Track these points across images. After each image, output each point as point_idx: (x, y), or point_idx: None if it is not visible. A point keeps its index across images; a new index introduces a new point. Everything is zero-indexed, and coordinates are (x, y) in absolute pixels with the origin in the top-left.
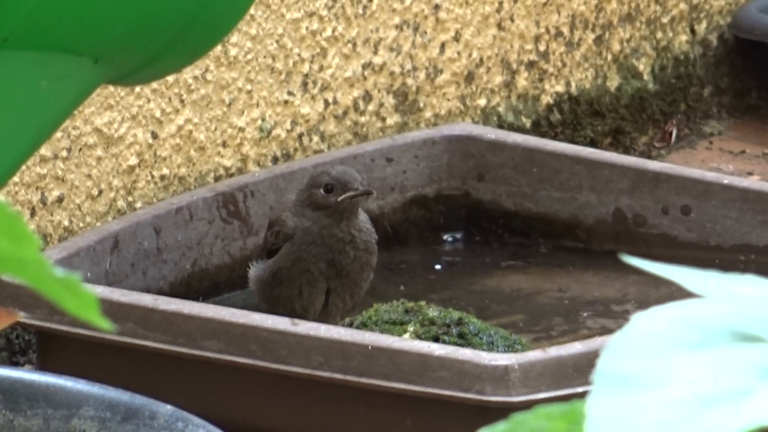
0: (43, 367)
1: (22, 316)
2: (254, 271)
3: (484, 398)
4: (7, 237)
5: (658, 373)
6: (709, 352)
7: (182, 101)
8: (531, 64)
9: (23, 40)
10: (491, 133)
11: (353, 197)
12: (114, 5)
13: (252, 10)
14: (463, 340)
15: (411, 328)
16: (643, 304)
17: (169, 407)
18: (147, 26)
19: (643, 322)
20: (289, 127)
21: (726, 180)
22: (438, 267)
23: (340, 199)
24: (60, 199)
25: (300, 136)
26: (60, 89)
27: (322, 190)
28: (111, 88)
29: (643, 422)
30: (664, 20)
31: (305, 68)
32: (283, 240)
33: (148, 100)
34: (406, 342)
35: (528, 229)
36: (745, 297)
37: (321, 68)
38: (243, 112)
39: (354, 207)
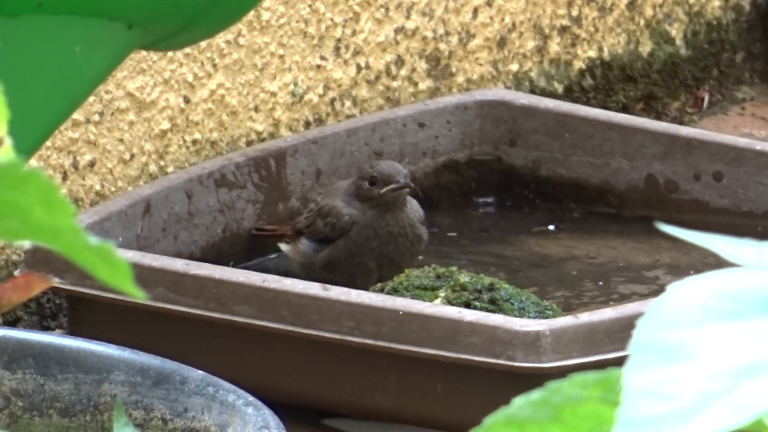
0: (73, 331)
1: (55, 282)
2: (303, 249)
3: (515, 364)
4: (42, 205)
5: (695, 344)
6: (747, 322)
7: (215, 66)
8: (563, 29)
9: (58, 4)
10: (523, 98)
11: (394, 190)
12: None
13: None
14: (494, 305)
15: (442, 294)
16: (674, 270)
17: (199, 372)
18: None
19: (679, 292)
20: (321, 92)
21: (758, 146)
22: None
23: (382, 191)
24: (92, 164)
25: (332, 101)
26: (94, 54)
27: (367, 183)
28: (144, 52)
29: (681, 393)
30: None
31: (338, 33)
32: (338, 233)
33: (181, 65)
34: (437, 308)
35: (560, 195)
36: None
37: (353, 33)
38: (275, 77)
39: (397, 200)
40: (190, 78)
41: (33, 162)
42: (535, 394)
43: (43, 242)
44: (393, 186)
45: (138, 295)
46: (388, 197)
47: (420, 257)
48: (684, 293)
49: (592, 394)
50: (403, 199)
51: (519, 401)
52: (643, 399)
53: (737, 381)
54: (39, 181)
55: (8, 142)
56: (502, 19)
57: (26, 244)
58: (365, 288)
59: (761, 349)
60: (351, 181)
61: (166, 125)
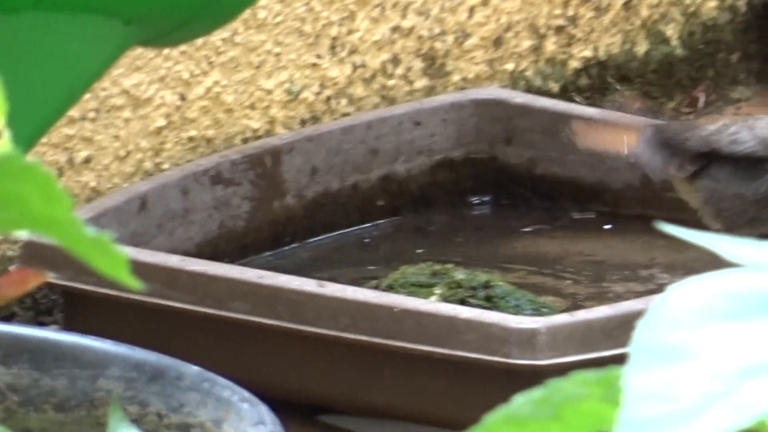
0: (69, 327)
1: (50, 277)
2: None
3: (511, 361)
4: (41, 196)
5: (696, 345)
6: (748, 322)
7: (210, 63)
8: (559, 29)
9: (54, 1)
10: (519, 97)
11: None
12: None
13: None
14: (490, 303)
15: (438, 291)
16: (670, 269)
17: (195, 368)
18: None
19: (680, 292)
20: (317, 90)
21: None
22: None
23: None
24: (87, 160)
25: (328, 99)
26: (91, 51)
27: None
28: (140, 49)
29: (682, 394)
30: None
31: (333, 31)
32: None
33: (177, 62)
34: (433, 304)
35: (555, 194)
36: None
37: (349, 31)
38: (271, 75)
39: None
40: (185, 75)
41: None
42: (536, 392)
43: (41, 232)
44: None
45: (135, 286)
46: None
47: (413, 250)
48: (684, 293)
49: (592, 393)
50: None
51: (519, 399)
52: (644, 400)
53: (739, 382)
54: (37, 173)
55: (7, 134)
56: (498, 19)
57: (23, 236)
58: None
59: (763, 350)
60: None
61: (161, 122)
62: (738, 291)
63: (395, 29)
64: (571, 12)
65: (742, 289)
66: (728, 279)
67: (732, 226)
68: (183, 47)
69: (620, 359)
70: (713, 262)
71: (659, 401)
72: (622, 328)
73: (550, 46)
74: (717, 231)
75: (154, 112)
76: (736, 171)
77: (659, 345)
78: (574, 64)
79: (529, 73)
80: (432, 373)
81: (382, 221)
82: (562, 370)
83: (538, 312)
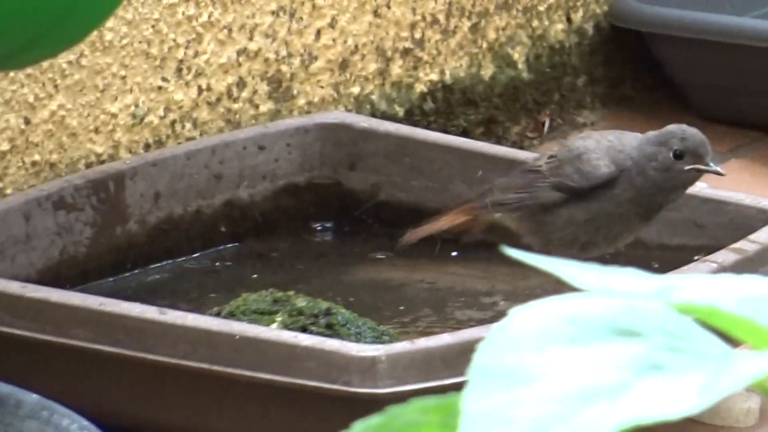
0: None
1: None
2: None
3: (351, 389)
4: None
5: (535, 369)
6: (588, 347)
7: (56, 86)
8: (406, 52)
9: None
10: (364, 121)
11: (701, 171)
12: None
13: None
14: (331, 330)
15: (279, 318)
16: (512, 296)
17: (34, 396)
18: (25, 10)
19: (521, 316)
20: (162, 114)
21: None
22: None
23: (687, 168)
24: None
25: (173, 122)
26: None
27: (671, 154)
28: None
29: (519, 418)
30: (541, 8)
31: (180, 54)
32: (593, 184)
33: (22, 85)
34: (274, 332)
35: (398, 220)
36: (625, 291)
37: (196, 54)
38: (116, 98)
39: (695, 180)
40: (30, 99)
41: None
42: (375, 419)
43: None
44: (702, 167)
45: None
46: (691, 176)
47: (254, 276)
48: (526, 317)
49: (431, 419)
50: (697, 180)
51: (358, 426)
52: (481, 423)
53: (578, 406)
54: None
55: None
56: (345, 41)
57: None
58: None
59: (602, 375)
60: (647, 141)
61: (5, 146)
62: (579, 315)
63: (242, 52)
64: (418, 35)
65: (583, 314)
66: (570, 303)
67: (565, 253)
68: (28, 70)
69: (461, 387)
70: (556, 290)
71: (497, 424)
72: (462, 356)
73: (397, 69)
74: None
75: None
76: (564, 197)
77: (498, 368)
78: (421, 87)
79: (374, 97)
80: (273, 401)
81: (224, 247)
82: (402, 398)
83: (379, 340)
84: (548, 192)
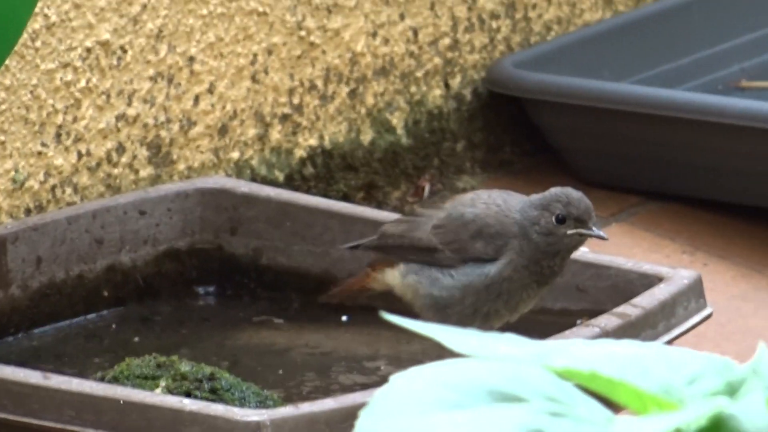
0: None
1: None
2: (433, 276)
3: None
4: None
5: None
6: (469, 412)
7: None
8: (285, 117)
9: None
10: (244, 186)
11: (584, 236)
12: None
13: (6, 60)
14: (215, 395)
15: (163, 383)
16: (395, 361)
17: None
18: None
19: (402, 381)
20: (42, 179)
21: None
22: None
23: (570, 232)
24: None
25: (53, 187)
26: None
27: (553, 218)
28: None
29: None
30: (419, 74)
31: (59, 119)
32: (494, 251)
33: None
34: (158, 396)
35: (281, 284)
36: (506, 356)
37: (75, 119)
38: None
39: (579, 245)
40: None
41: None
42: None
43: None
44: (584, 232)
45: None
46: (574, 241)
47: (137, 340)
48: (407, 382)
49: None
50: (582, 244)
51: None
52: None
53: None
54: None
55: None
56: (224, 107)
57: None
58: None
59: None
60: (531, 205)
61: None
62: (460, 380)
63: (120, 117)
64: (296, 100)
65: (464, 379)
66: (450, 368)
67: (465, 323)
68: None
69: None
70: (438, 353)
71: None
72: (346, 421)
73: (276, 134)
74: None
75: None
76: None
77: None
78: (300, 152)
79: (254, 162)
80: None
81: (107, 311)
82: None
83: (263, 404)
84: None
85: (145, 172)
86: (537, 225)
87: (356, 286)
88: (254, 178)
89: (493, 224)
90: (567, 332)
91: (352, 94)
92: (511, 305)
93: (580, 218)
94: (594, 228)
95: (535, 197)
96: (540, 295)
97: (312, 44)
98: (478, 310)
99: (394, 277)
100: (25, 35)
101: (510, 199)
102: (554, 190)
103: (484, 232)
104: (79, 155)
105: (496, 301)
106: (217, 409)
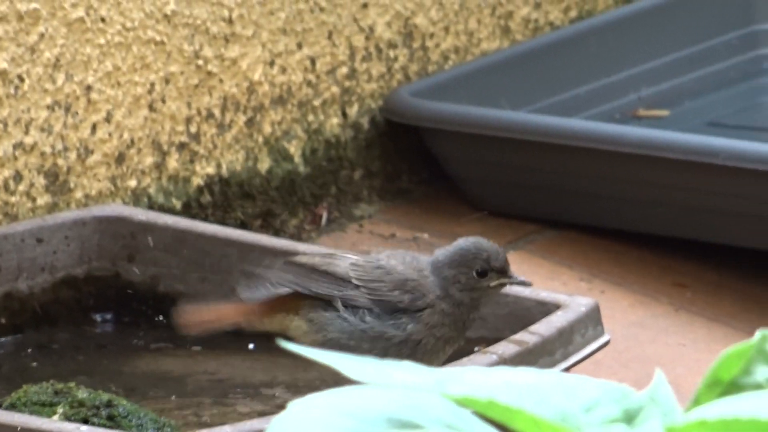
0: None
1: None
2: (349, 321)
3: None
4: None
5: None
6: None
7: None
8: (182, 146)
9: None
10: (141, 214)
11: (507, 284)
12: None
13: None
14: (112, 422)
15: (60, 410)
16: (293, 387)
17: None
18: None
19: (300, 408)
20: None
21: None
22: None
23: (493, 284)
24: None
25: None
26: None
27: (474, 273)
28: None
29: None
30: (316, 103)
31: None
32: (411, 302)
33: None
34: (56, 423)
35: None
36: (403, 383)
37: None
38: None
39: (494, 295)
40: None
41: None
42: None
43: None
44: (506, 281)
45: None
46: (498, 290)
47: (35, 366)
48: (305, 409)
49: None
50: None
51: None
52: None
53: None
54: None
55: None
56: (121, 135)
57: None
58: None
59: None
60: (446, 265)
61: None
62: (357, 408)
63: (18, 145)
64: (194, 129)
65: (361, 406)
66: (347, 396)
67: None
68: None
69: None
70: (335, 381)
71: None
72: None
73: (173, 162)
74: None
75: None
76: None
77: None
78: (198, 181)
79: (151, 190)
80: None
81: (4, 339)
82: None
83: (160, 431)
84: (359, 298)
85: (43, 200)
86: (458, 283)
87: (230, 319)
88: (152, 206)
89: (415, 279)
90: (465, 359)
91: (250, 122)
92: (425, 360)
93: (502, 269)
94: (514, 275)
95: (443, 255)
96: (458, 342)
97: (209, 73)
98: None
99: (292, 320)
100: None
101: (419, 261)
102: (464, 245)
103: (406, 285)
104: None
105: (413, 355)
106: None
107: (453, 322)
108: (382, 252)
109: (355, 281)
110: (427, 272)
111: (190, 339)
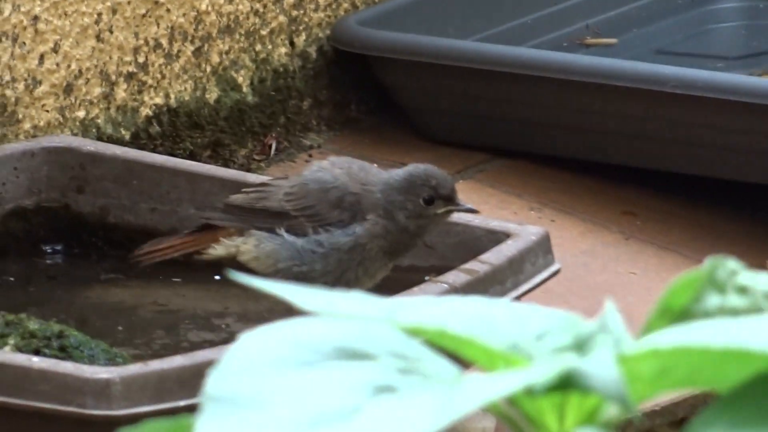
0: None
1: None
2: (289, 241)
3: (86, 412)
4: None
5: (267, 393)
6: (319, 370)
7: None
8: (130, 76)
9: None
10: (90, 145)
11: (454, 211)
12: None
13: None
14: (64, 353)
15: (11, 341)
16: (244, 318)
17: None
18: None
19: (252, 340)
20: None
21: None
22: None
23: (440, 212)
24: None
25: None
26: None
27: (421, 200)
28: None
29: None
30: (264, 32)
31: None
32: (350, 218)
33: None
34: (6, 355)
35: (128, 242)
36: (353, 313)
37: None
38: None
39: (444, 220)
40: None
41: None
42: None
43: None
44: (453, 207)
45: None
46: (444, 218)
47: None
48: (256, 342)
49: None
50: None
51: None
52: None
53: (308, 430)
54: None
55: None
56: (69, 66)
57: None
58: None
59: (333, 398)
60: (396, 190)
61: None
62: (308, 339)
63: None
64: (141, 59)
65: (313, 337)
66: (298, 327)
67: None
68: None
69: (196, 409)
70: (286, 311)
71: None
72: (196, 378)
73: (122, 93)
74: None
75: None
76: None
77: (230, 393)
78: (146, 111)
79: (100, 121)
80: (7, 424)
81: None
82: (137, 420)
83: (112, 361)
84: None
85: None
86: (405, 209)
87: (183, 248)
88: (100, 137)
89: (356, 193)
90: (415, 289)
91: (197, 52)
92: (370, 273)
93: (449, 196)
94: (462, 202)
95: (395, 179)
96: (391, 265)
97: (156, 3)
98: (339, 279)
99: (243, 244)
100: None
101: (369, 174)
102: (414, 172)
103: (345, 201)
104: None
105: (357, 269)
106: (67, 366)
107: (394, 242)
108: (327, 159)
109: (292, 213)
110: (374, 188)
111: (140, 270)
